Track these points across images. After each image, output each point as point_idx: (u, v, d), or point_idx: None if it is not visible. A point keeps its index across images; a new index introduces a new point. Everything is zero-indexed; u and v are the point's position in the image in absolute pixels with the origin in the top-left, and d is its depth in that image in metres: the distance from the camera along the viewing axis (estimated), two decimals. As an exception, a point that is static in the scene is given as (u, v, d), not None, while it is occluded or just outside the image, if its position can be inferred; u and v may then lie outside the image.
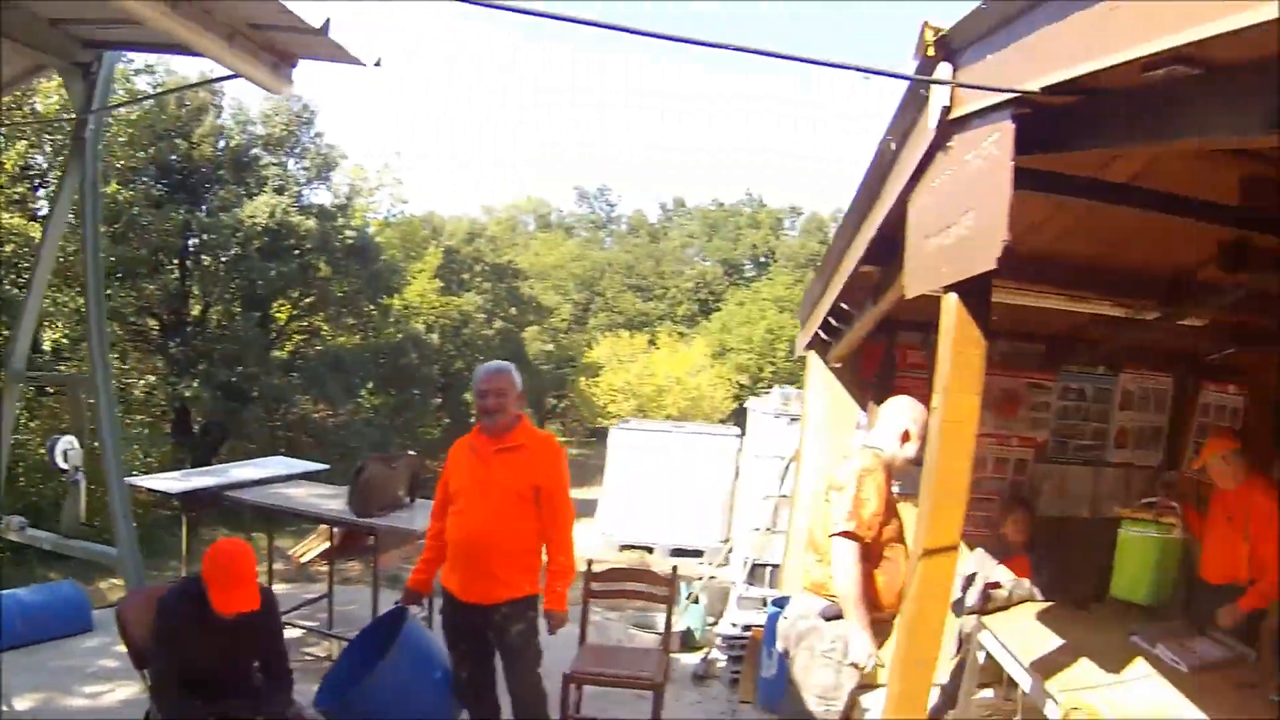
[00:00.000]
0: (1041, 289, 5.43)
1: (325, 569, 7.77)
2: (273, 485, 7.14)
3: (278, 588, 8.14)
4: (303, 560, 9.90)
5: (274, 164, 18.73)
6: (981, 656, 5.79)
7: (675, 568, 6.19)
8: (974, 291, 2.89)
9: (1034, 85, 2.42)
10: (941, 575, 3.09)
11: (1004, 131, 2.52)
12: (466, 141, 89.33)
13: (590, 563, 6.01)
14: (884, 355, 6.52)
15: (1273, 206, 3.50)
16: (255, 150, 18.71)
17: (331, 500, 6.76)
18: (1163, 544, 5.84)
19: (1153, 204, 3.65)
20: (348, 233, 19.18)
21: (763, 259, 49.03)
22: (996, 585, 5.80)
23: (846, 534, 4.18)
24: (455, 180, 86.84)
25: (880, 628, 4.30)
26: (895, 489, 4.47)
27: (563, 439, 34.92)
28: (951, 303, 2.93)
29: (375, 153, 40.61)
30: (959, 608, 5.93)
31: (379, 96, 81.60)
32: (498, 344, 27.20)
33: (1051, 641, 5.16)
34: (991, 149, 2.59)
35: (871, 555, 4.28)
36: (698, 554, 12.75)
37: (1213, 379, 7.37)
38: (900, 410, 4.47)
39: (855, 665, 4.23)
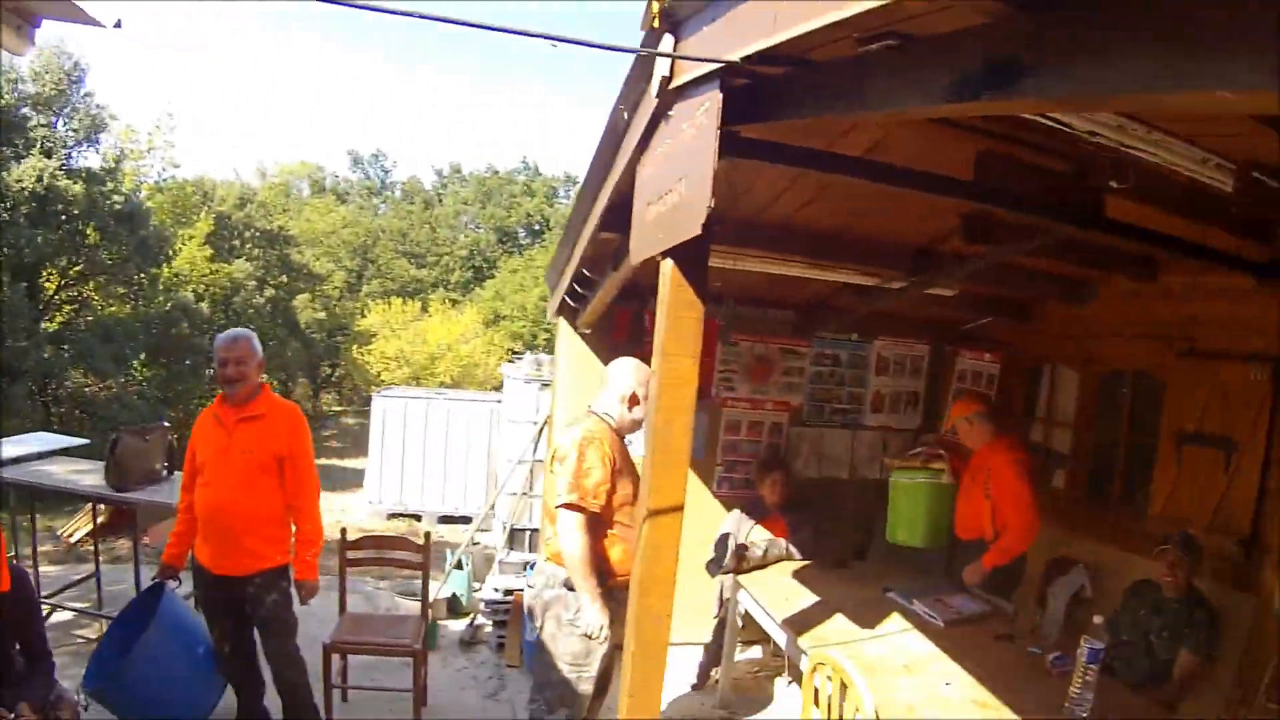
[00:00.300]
0: (788, 257, 5.58)
1: (93, 548, 7.42)
2: (31, 462, 6.74)
3: (46, 569, 7.80)
4: (71, 540, 9.43)
5: (42, 125, 17.51)
6: (741, 615, 5.97)
7: (428, 534, 6.18)
8: (689, 257, 2.96)
9: (736, 55, 2.50)
10: (669, 534, 3.17)
11: (713, 101, 2.59)
12: (243, 106, 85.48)
13: (344, 531, 5.93)
14: (632, 320, 6.61)
15: (1003, 181, 3.70)
16: (25, 110, 17.43)
17: (91, 476, 6.50)
18: (932, 489, 6.32)
19: (883, 176, 3.80)
20: (116, 198, 18.08)
21: (537, 227, 49.06)
22: (745, 549, 5.97)
23: (570, 505, 4.20)
24: (232, 145, 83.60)
25: (624, 595, 4.42)
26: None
27: (338, 408, 34.61)
28: (668, 268, 3.00)
29: (147, 115, 38.68)
30: (714, 568, 6.09)
31: (153, 61, 77.21)
32: (269, 312, 26.39)
33: (808, 599, 5.35)
34: (702, 118, 2.66)
35: (601, 524, 4.31)
36: (466, 520, 12.70)
37: (969, 346, 7.75)
38: (624, 373, 4.50)
39: (588, 636, 4.27)
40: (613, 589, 4.36)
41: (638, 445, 4.17)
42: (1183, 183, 3.52)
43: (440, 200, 52.56)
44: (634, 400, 4.42)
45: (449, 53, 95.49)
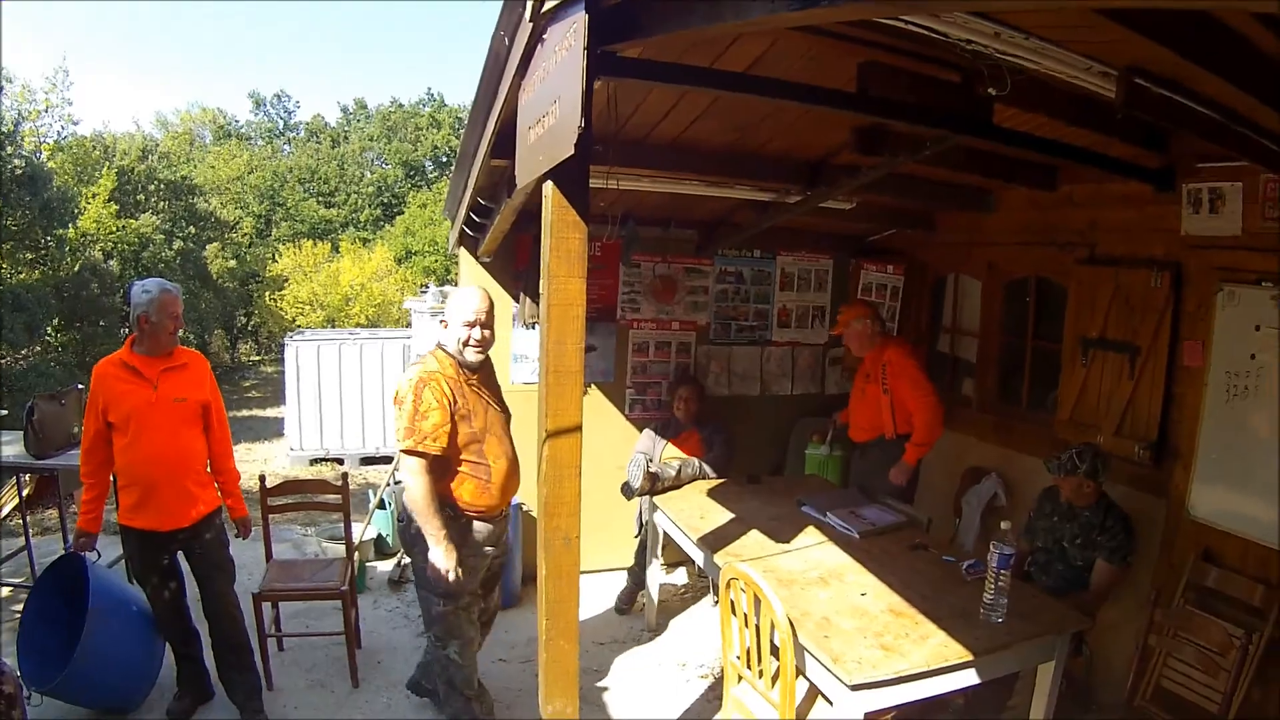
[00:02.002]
0: (682, 175, 5.59)
1: (21, 521, 7.32)
2: (-51, 439, 6.64)
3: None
4: (1, 515, 9.27)
5: None
6: (660, 536, 6.03)
7: (345, 475, 6.15)
8: (569, 179, 2.95)
9: (591, -28, 2.48)
10: (569, 455, 3.18)
11: (579, 21, 2.56)
12: (139, 53, 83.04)
13: (263, 478, 5.87)
14: (532, 246, 6.58)
15: (889, 92, 3.71)
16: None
17: (11, 447, 6.49)
18: (830, 460, 7.02)
19: (767, 91, 3.82)
20: (17, 161, 17.54)
21: (444, 159, 48.18)
22: (656, 475, 6.02)
23: (409, 450, 4.21)
24: (130, 95, 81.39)
25: (497, 524, 4.54)
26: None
27: (256, 356, 34.16)
28: (549, 190, 2.99)
29: (43, 71, 37.48)
30: (627, 490, 6.15)
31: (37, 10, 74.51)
32: (179, 264, 25.86)
33: (723, 516, 5.42)
34: (570, 39, 2.63)
35: (447, 464, 4.34)
36: (389, 460, 12.66)
37: (872, 259, 7.82)
38: (452, 307, 4.47)
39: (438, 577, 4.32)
40: (472, 520, 4.47)
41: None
42: (1071, 91, 3.57)
43: (346, 138, 51.66)
44: (465, 341, 4.39)
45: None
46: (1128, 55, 3.12)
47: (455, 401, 4.29)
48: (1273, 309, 4.62)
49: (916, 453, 5.88)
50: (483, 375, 4.52)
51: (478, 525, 4.46)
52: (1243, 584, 4.69)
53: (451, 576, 4.30)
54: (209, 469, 4.99)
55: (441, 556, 4.27)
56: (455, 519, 4.40)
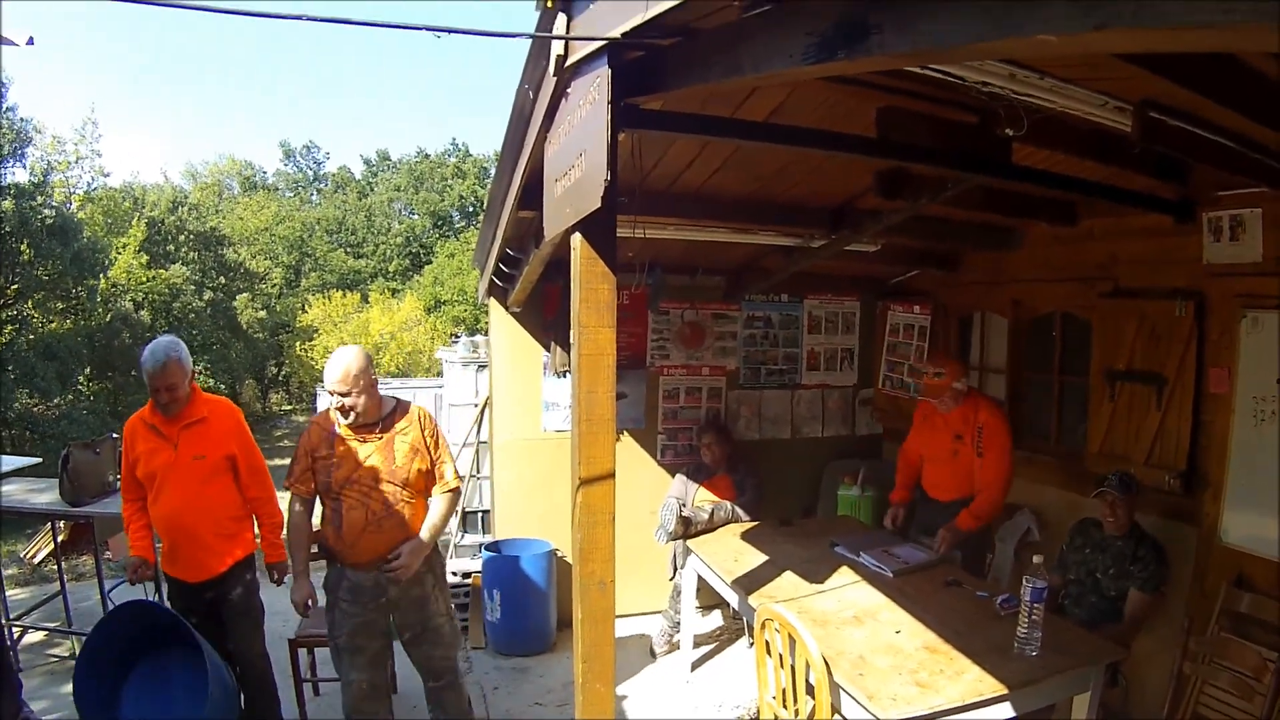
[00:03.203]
0: (706, 223, 5.65)
1: (56, 567, 7.41)
2: (-17, 487, 6.74)
3: (13, 592, 7.80)
4: (35, 561, 9.36)
5: None
6: (694, 579, 6.05)
7: (381, 522, 6.20)
8: (597, 230, 3.00)
9: (617, 32, 2.55)
10: (602, 501, 3.21)
11: (603, 77, 2.63)
12: (168, 105, 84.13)
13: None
14: (561, 295, 6.64)
15: (908, 136, 3.77)
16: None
17: (46, 494, 6.52)
18: (863, 501, 6.94)
19: (787, 139, 3.89)
20: (47, 212, 17.77)
21: (470, 209, 48.50)
22: (689, 520, 6.05)
23: (285, 487, 4.59)
24: (160, 148, 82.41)
25: (377, 580, 4.45)
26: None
27: (288, 406, 34.22)
28: (577, 242, 3.05)
29: (72, 123, 38.23)
30: (661, 535, 6.17)
31: (73, 65, 75.69)
32: (209, 315, 26.14)
33: (757, 558, 5.43)
34: (594, 93, 2.70)
35: (322, 503, 4.56)
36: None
37: (898, 300, 7.82)
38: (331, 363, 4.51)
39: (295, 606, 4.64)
40: (344, 568, 4.54)
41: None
42: (1088, 127, 3.61)
43: (372, 189, 52.04)
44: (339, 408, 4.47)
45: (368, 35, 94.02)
46: (1142, 90, 3.16)
47: (319, 449, 4.46)
48: (1297, 334, 4.64)
49: (971, 523, 5.71)
50: (387, 431, 4.53)
51: (350, 574, 4.49)
52: (1276, 608, 4.66)
53: (299, 610, 4.61)
54: (243, 518, 4.99)
55: (297, 587, 4.60)
56: (331, 562, 4.59)
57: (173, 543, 4.78)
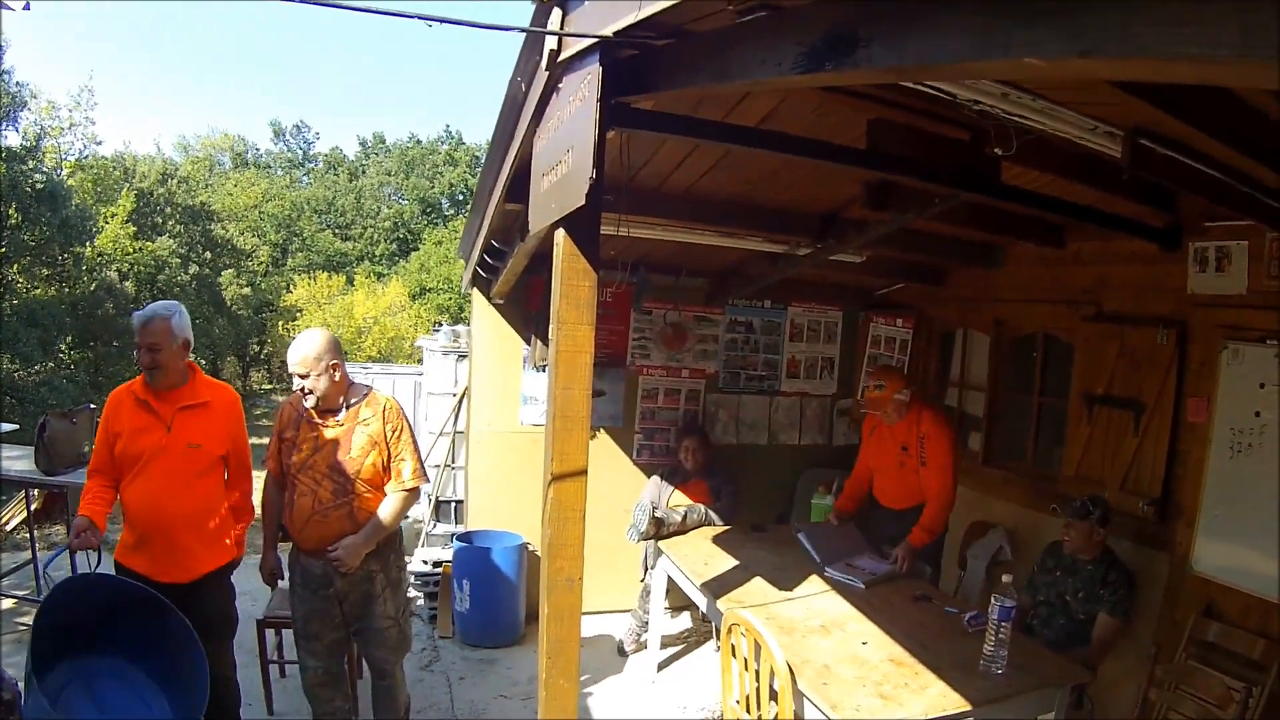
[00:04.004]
0: (693, 225, 5.65)
1: (29, 535, 7.39)
2: (-40, 451, 6.73)
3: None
4: (7, 528, 9.33)
5: None
6: (664, 580, 6.05)
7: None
8: (580, 227, 3.00)
9: (609, 30, 2.54)
10: (573, 498, 3.20)
11: (594, 74, 2.62)
12: (164, 76, 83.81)
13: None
14: (545, 289, 6.66)
15: (898, 148, 3.78)
16: (-60, 90, 16.91)
17: (21, 462, 6.50)
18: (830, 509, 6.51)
19: (777, 145, 3.89)
20: (38, 177, 17.61)
21: (460, 197, 48.31)
22: (661, 521, 6.05)
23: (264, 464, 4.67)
24: (152, 118, 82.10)
25: (324, 568, 4.44)
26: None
27: (268, 385, 34.19)
28: (560, 238, 3.05)
29: (68, 89, 38.04)
30: (633, 534, 6.17)
31: (69, 29, 75.28)
32: (194, 290, 25.97)
33: (727, 563, 5.45)
34: (584, 90, 2.69)
35: (284, 482, 4.55)
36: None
37: (881, 312, 7.86)
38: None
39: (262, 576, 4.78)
40: (299, 552, 4.57)
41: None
42: (1078, 151, 3.62)
43: (364, 171, 51.95)
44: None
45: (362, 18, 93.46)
46: (1133, 117, 3.17)
47: (287, 430, 4.49)
48: (1276, 367, 4.66)
49: (924, 537, 5.67)
50: (351, 420, 4.49)
51: (303, 559, 4.52)
52: (1244, 638, 4.70)
53: (266, 580, 4.77)
54: (226, 519, 4.57)
55: (261, 559, 4.74)
56: (291, 543, 4.62)
57: (143, 535, 4.30)
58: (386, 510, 4.43)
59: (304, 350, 4.33)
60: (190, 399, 4.38)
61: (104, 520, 4.25)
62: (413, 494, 4.54)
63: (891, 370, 6.46)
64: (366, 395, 4.54)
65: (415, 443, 4.59)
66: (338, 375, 4.41)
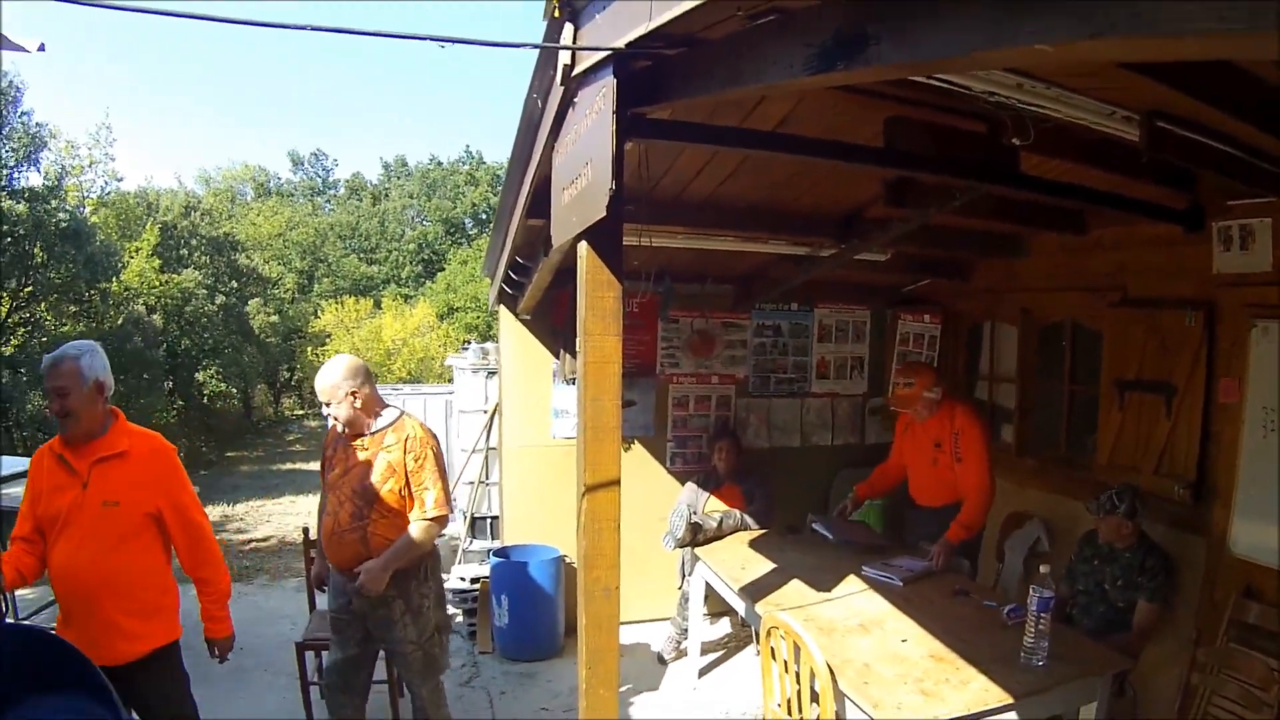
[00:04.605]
0: (715, 232, 5.66)
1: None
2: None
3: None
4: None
5: None
6: (702, 587, 6.05)
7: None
8: (602, 238, 3.02)
9: (621, 42, 2.56)
10: (608, 508, 3.22)
11: (608, 86, 2.64)
12: (177, 110, 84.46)
13: (306, 531, 6.00)
14: (570, 303, 6.67)
15: (915, 145, 3.78)
16: (-39, 134, 17.10)
17: None
18: (871, 509, 6.92)
19: (795, 148, 3.91)
20: (61, 215, 17.78)
21: (483, 216, 48.41)
22: (698, 527, 6.05)
23: None
24: (172, 151, 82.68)
25: (346, 582, 4.48)
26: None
27: (299, 410, 34.37)
28: (583, 250, 3.07)
29: (86, 128, 38.41)
30: (669, 542, 6.18)
31: (84, 68, 75.92)
32: (221, 319, 26.22)
33: (764, 566, 5.43)
34: (600, 103, 2.72)
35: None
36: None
37: (908, 309, 7.84)
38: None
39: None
40: (339, 572, 4.59)
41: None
42: (1096, 136, 3.61)
43: (386, 195, 52.16)
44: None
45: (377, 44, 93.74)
46: (1149, 100, 3.16)
47: (329, 447, 4.65)
48: (1306, 342, 4.63)
49: (962, 534, 5.62)
50: (377, 445, 4.48)
51: (333, 572, 4.64)
52: (1284, 619, 4.66)
53: (316, 584, 5.02)
54: (171, 590, 4.04)
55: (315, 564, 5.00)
56: None
57: (67, 609, 3.80)
58: (405, 539, 4.37)
59: (324, 379, 4.39)
60: (106, 450, 3.84)
61: (14, 574, 3.72)
62: (436, 523, 4.45)
63: (920, 366, 6.43)
64: (395, 421, 4.51)
65: (441, 472, 4.52)
66: (359, 401, 4.40)
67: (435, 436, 4.59)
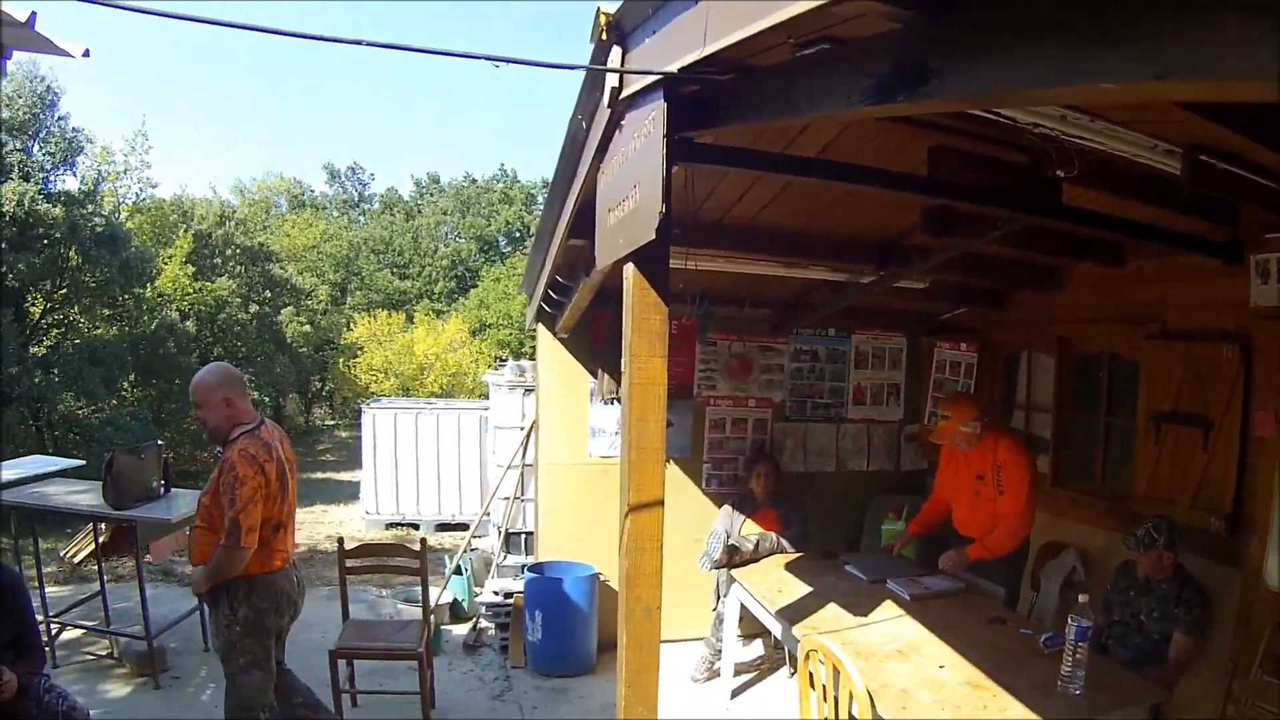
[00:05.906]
0: (756, 256, 5.69)
1: (97, 567, 7.57)
2: (29, 485, 6.92)
3: (52, 590, 8.00)
4: (75, 561, 9.53)
5: (18, 149, 17.21)
6: (737, 608, 6.06)
7: (424, 540, 6.24)
8: (649, 261, 3.05)
9: (674, 67, 2.60)
10: (651, 527, 3.25)
11: (659, 110, 2.68)
12: (217, 120, 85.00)
13: (341, 540, 6.07)
14: (610, 323, 6.71)
15: (958, 174, 3.80)
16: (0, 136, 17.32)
17: (88, 496, 6.63)
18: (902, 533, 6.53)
19: (838, 175, 3.93)
20: (97, 220, 17.92)
21: (517, 234, 48.54)
22: (736, 548, 6.07)
23: None
24: (208, 161, 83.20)
25: None
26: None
27: (331, 421, 34.47)
28: (630, 272, 3.10)
29: (123, 134, 38.85)
30: (705, 563, 6.20)
31: (126, 77, 76.59)
32: (255, 329, 26.36)
33: (800, 590, 5.42)
34: (650, 127, 2.75)
35: None
36: (464, 527, 12.74)
37: (945, 337, 7.85)
38: None
39: None
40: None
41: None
42: (1138, 170, 3.63)
43: (420, 211, 52.39)
44: None
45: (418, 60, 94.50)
46: (1191, 134, 3.18)
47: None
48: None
49: (982, 553, 5.67)
50: (225, 453, 4.46)
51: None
52: (1318, 652, 4.63)
53: None
54: None
55: None
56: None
57: None
58: (215, 558, 4.37)
59: (201, 381, 4.50)
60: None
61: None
62: (231, 551, 4.29)
63: (960, 399, 6.35)
64: (237, 438, 4.43)
65: (239, 499, 4.27)
66: (228, 410, 4.48)
67: (258, 462, 4.36)
